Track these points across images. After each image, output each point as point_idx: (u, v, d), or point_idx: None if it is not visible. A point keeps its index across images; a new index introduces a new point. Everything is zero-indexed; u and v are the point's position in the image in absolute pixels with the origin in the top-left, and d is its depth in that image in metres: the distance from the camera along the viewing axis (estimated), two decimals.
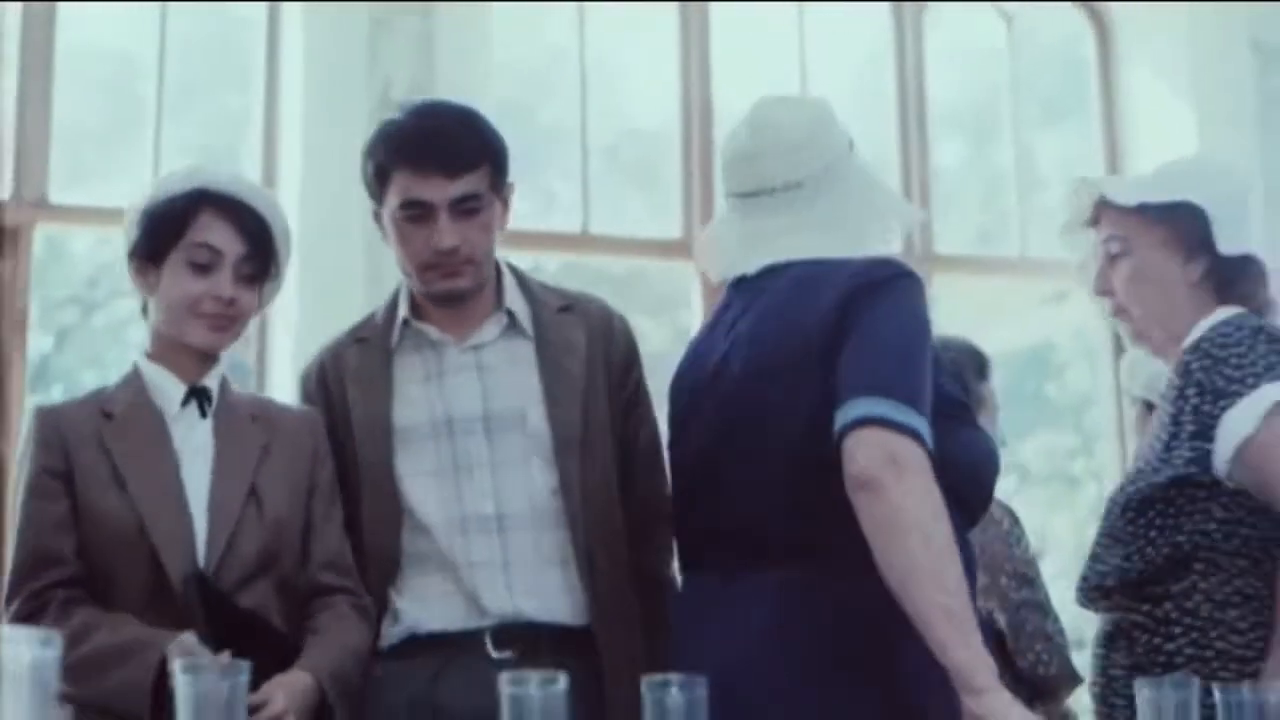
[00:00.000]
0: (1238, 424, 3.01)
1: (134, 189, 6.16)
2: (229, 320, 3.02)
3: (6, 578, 2.91)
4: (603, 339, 3.24)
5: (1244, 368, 3.06)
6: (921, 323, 2.79)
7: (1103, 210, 3.27)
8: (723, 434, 2.85)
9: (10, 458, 5.81)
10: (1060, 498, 5.16)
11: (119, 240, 3.09)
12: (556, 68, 6.77)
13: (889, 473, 2.56)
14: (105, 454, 2.93)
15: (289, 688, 2.77)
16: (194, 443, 2.99)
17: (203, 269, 2.98)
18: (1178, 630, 3.06)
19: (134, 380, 3.05)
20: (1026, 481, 10.18)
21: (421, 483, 3.11)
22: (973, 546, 2.85)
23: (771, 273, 2.92)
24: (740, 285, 2.98)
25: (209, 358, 3.05)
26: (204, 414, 3.02)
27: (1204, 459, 3.05)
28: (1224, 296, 3.20)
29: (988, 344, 7.16)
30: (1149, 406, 4.25)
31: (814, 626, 2.71)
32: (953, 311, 8.37)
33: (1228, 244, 3.17)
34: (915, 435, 2.60)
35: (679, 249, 6.36)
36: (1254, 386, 3.02)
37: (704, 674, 1.98)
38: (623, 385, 3.24)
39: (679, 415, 3.00)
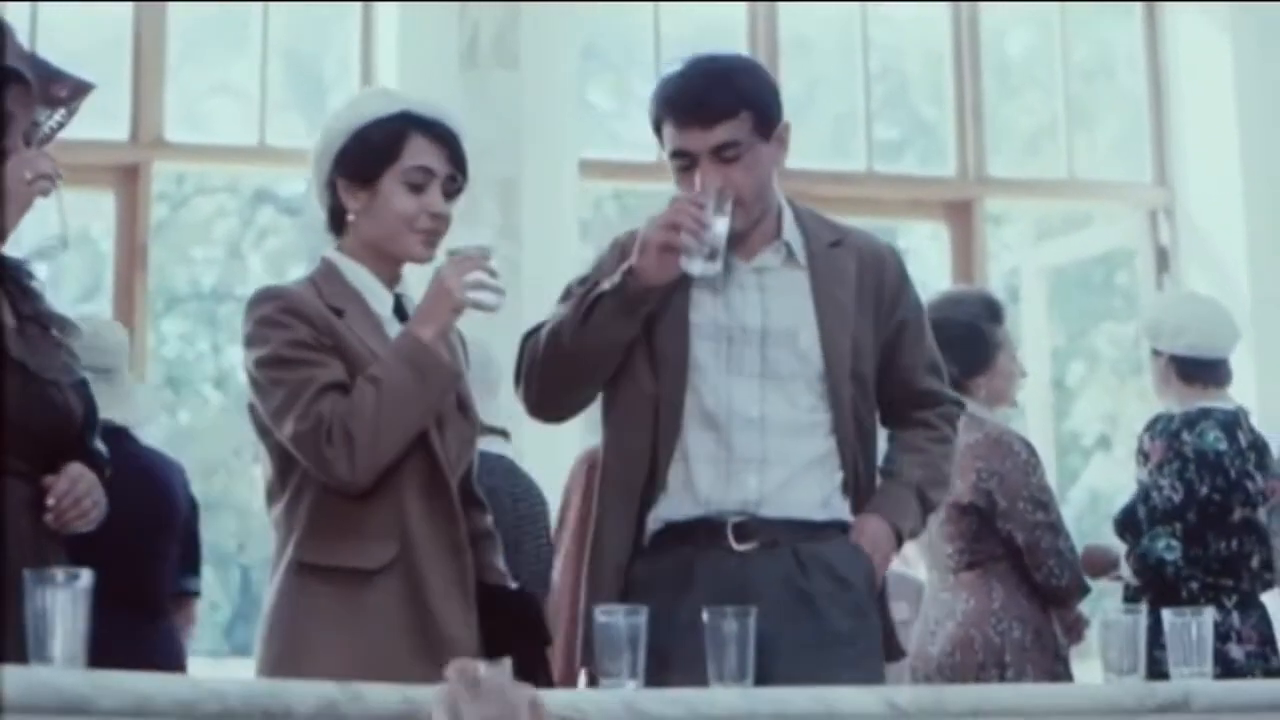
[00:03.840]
0: None
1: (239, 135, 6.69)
2: (438, 235, 3.21)
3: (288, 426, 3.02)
4: (873, 270, 3.42)
5: None
6: None
7: None
8: None
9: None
10: (1129, 381, 5.49)
11: None
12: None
13: None
14: (359, 343, 3.11)
15: None
16: None
17: (417, 188, 3.17)
18: None
19: (335, 277, 3.22)
20: (1097, 367, 10.50)
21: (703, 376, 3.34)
22: None
23: None
24: None
25: (399, 264, 3.24)
26: (403, 320, 3.22)
27: None
28: None
29: (1047, 253, 7.60)
30: (1177, 361, 4.78)
31: None
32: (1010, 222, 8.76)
33: None
34: None
35: None
36: None
37: None
38: (891, 314, 3.42)
39: None
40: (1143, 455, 4.72)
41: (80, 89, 3.11)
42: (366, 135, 3.21)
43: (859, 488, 3.37)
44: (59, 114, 3.13)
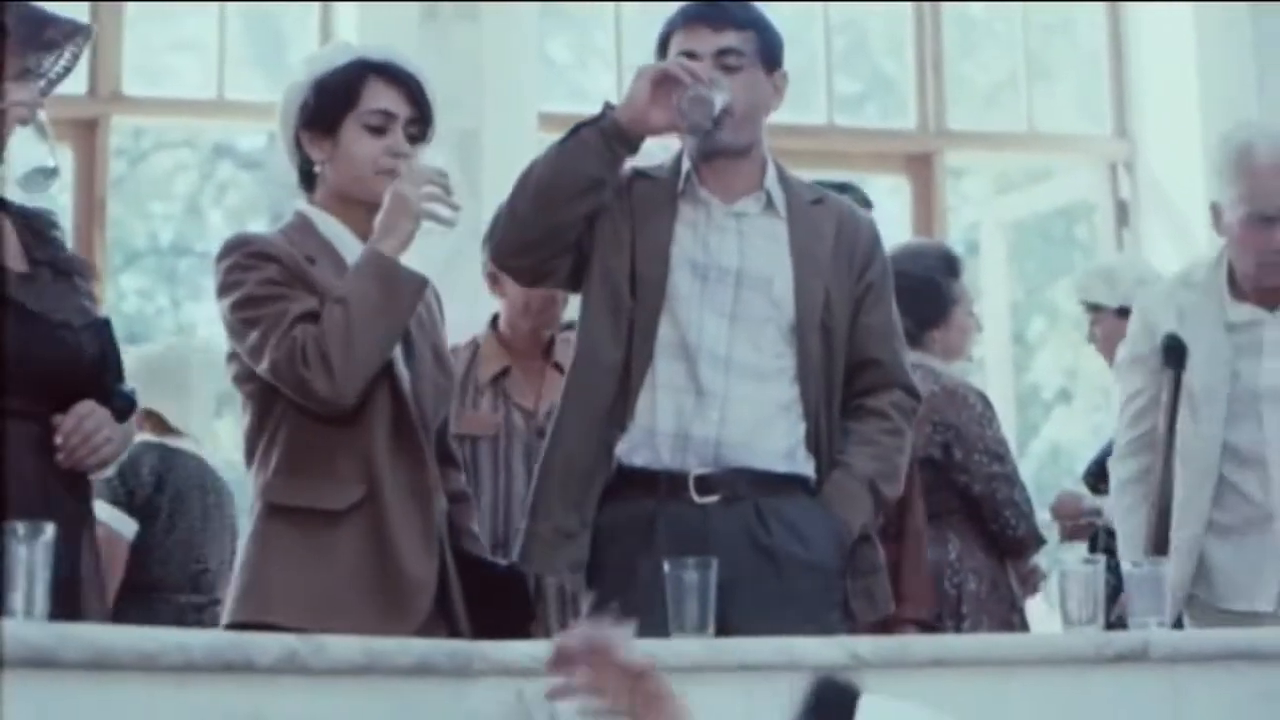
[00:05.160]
0: None
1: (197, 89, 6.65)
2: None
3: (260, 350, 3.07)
4: (849, 231, 3.48)
5: None
6: None
7: None
8: None
9: None
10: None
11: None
12: None
13: None
14: (329, 285, 3.12)
15: None
16: None
17: (378, 131, 3.22)
18: None
19: (307, 228, 3.25)
20: (1057, 321, 10.52)
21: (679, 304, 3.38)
22: None
23: None
24: None
25: (370, 212, 3.18)
26: None
27: None
28: None
29: (1007, 207, 7.62)
30: (1123, 313, 4.82)
31: None
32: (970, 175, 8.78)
33: None
34: None
35: None
36: None
37: None
38: (861, 275, 3.46)
39: None
40: None
41: (74, 30, 3.12)
42: (324, 85, 3.25)
43: (821, 442, 3.38)
44: (64, 57, 3.14)
